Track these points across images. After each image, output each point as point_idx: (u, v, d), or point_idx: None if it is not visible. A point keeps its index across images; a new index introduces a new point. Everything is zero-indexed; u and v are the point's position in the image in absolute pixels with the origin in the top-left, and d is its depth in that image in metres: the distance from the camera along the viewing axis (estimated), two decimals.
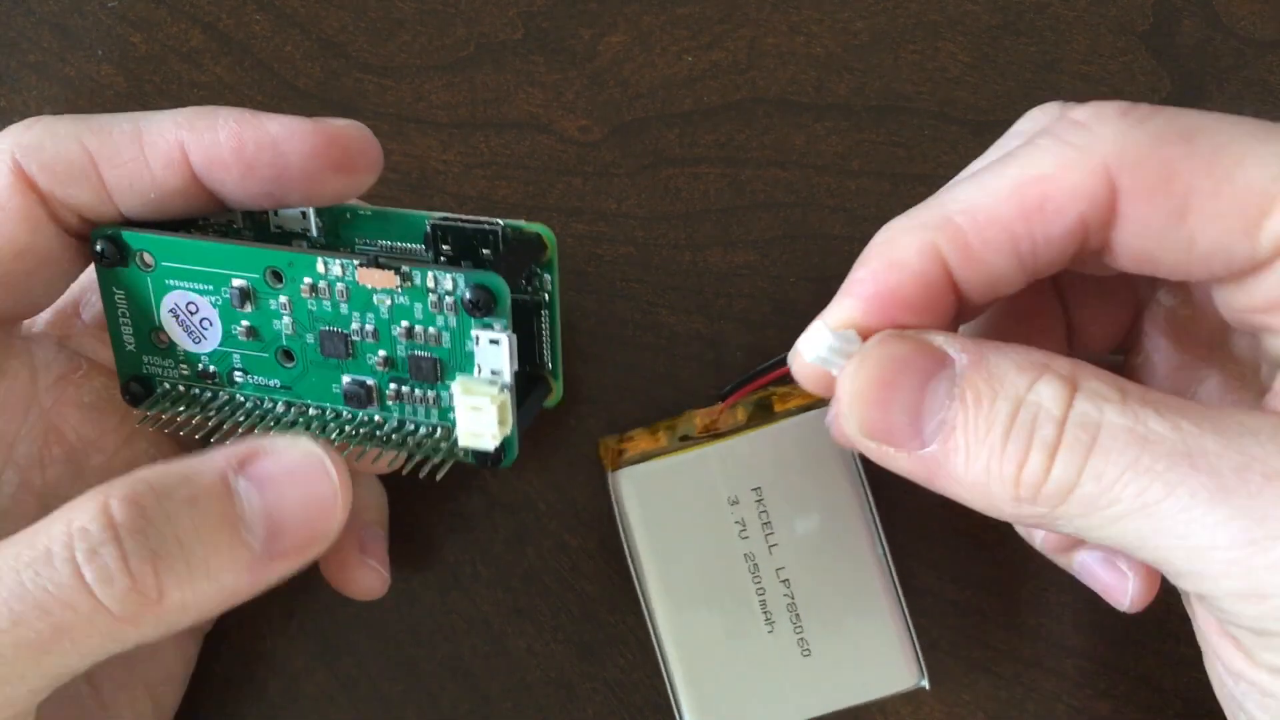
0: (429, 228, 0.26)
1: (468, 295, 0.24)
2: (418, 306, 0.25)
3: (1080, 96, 0.34)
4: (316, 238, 0.27)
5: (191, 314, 0.26)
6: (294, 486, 0.23)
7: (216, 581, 0.22)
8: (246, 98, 0.34)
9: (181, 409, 0.27)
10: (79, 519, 0.21)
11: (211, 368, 0.27)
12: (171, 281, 0.26)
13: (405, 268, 0.24)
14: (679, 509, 0.28)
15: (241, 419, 0.27)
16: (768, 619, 0.28)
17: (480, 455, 0.25)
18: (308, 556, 0.23)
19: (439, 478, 0.25)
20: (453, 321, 0.25)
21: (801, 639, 0.28)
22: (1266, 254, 0.21)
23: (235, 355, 0.27)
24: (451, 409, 0.25)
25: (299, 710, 0.33)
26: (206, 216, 0.27)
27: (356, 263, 0.25)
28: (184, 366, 0.27)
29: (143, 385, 0.28)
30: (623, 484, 0.29)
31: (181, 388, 0.27)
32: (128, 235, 0.26)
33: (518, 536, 0.33)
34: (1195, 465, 0.19)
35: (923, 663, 0.28)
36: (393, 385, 0.26)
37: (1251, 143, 0.21)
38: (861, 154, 0.34)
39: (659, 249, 0.33)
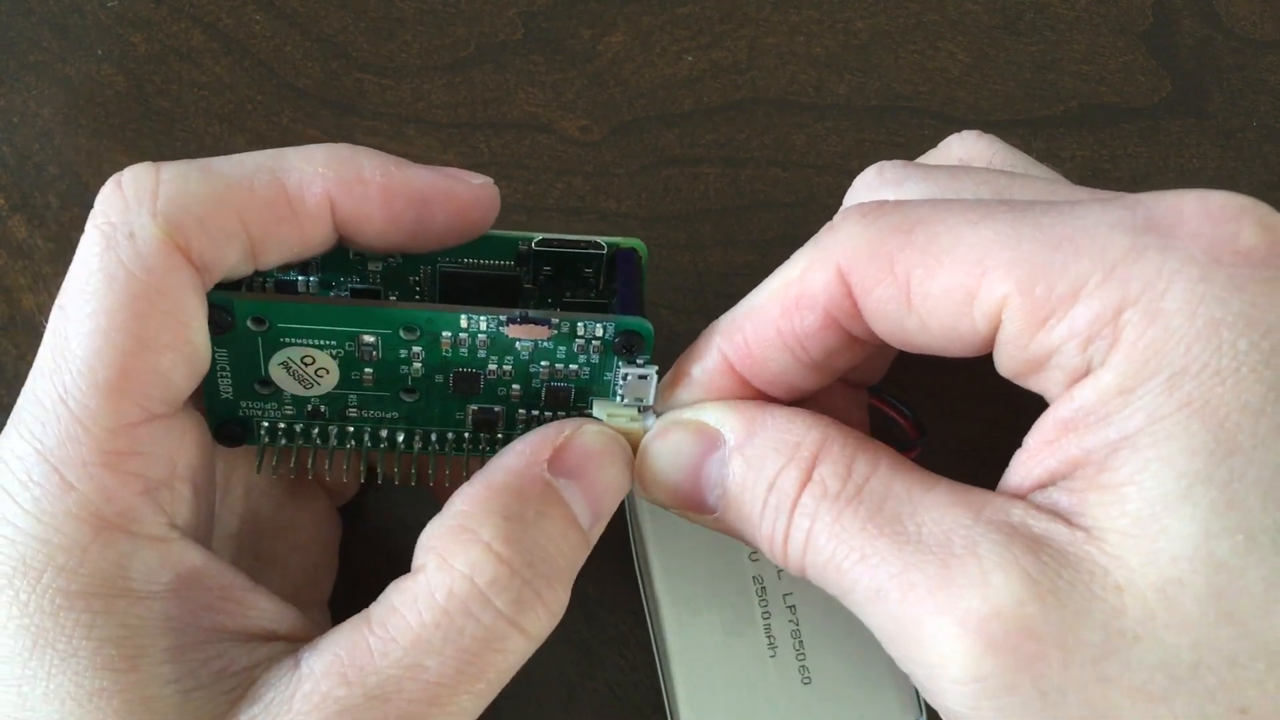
0: (529, 248, 0.26)
1: (619, 341, 0.25)
2: (561, 349, 0.25)
3: (1080, 96, 0.34)
4: (398, 260, 0.27)
5: (306, 365, 0.25)
6: (598, 468, 0.25)
7: (576, 568, 0.24)
8: (246, 97, 0.34)
9: (284, 443, 0.26)
10: (480, 576, 0.23)
11: (322, 407, 0.26)
12: (287, 339, 0.25)
13: (555, 320, 0.25)
14: (693, 526, 0.28)
15: (351, 445, 0.27)
16: (771, 644, 0.28)
17: None
18: (614, 512, 0.26)
19: None
20: (595, 359, 0.25)
21: (803, 666, 0.28)
22: (985, 331, 0.22)
23: (351, 395, 0.26)
24: None
25: None
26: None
27: (503, 318, 0.24)
28: (289, 408, 0.26)
29: (241, 427, 0.26)
30: (639, 496, 0.29)
31: (284, 425, 0.26)
32: (239, 304, 0.24)
33: None
34: (868, 567, 0.22)
35: (922, 702, 0.28)
36: (522, 411, 0.26)
37: (962, 228, 0.22)
38: (861, 154, 0.34)
39: (659, 249, 0.33)
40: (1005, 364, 0.23)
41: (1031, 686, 0.20)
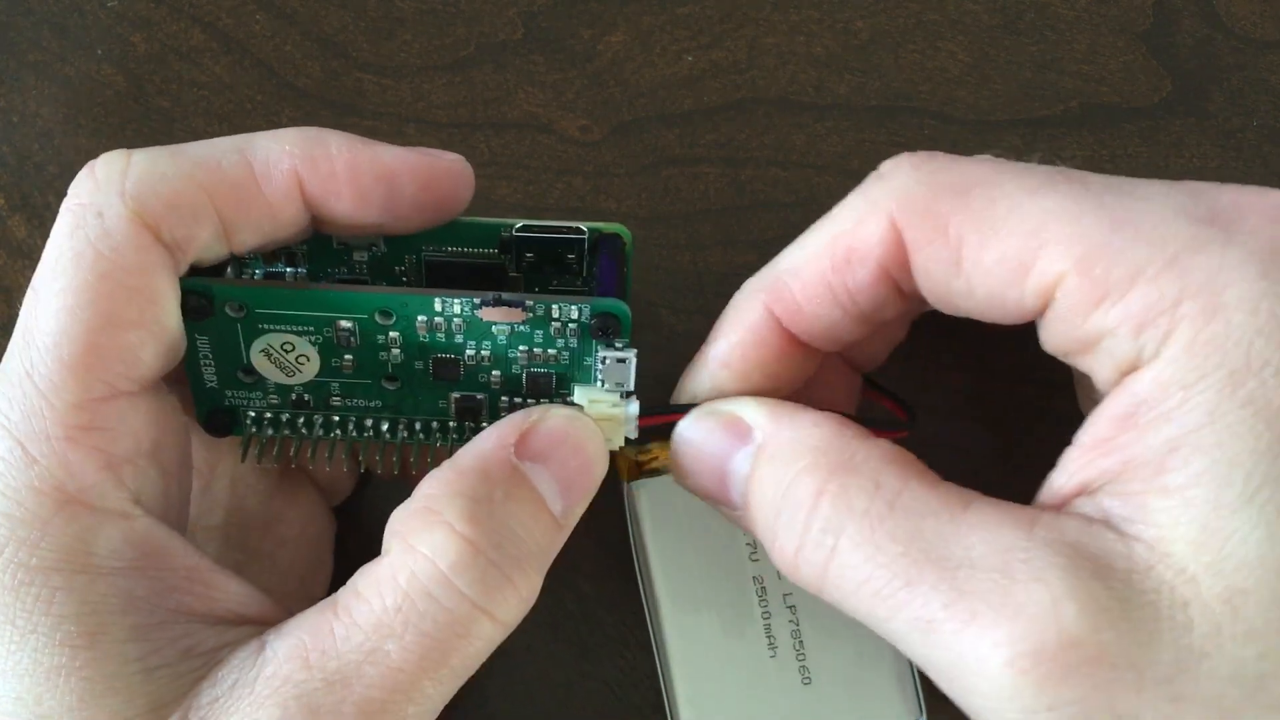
0: (511, 236, 0.26)
1: (595, 323, 0.25)
2: (538, 333, 0.25)
3: (1080, 96, 0.34)
4: (382, 249, 0.27)
5: (287, 352, 0.25)
6: (567, 452, 0.24)
7: (549, 553, 0.24)
8: (246, 97, 0.34)
9: (271, 433, 0.27)
10: (443, 558, 0.22)
11: (306, 396, 0.26)
12: (265, 326, 0.25)
13: (529, 302, 0.24)
14: (693, 526, 0.28)
15: (338, 435, 0.27)
16: (771, 643, 0.28)
17: None
18: (590, 498, 0.25)
19: None
20: (573, 343, 0.25)
21: (803, 666, 0.28)
22: (1034, 304, 0.22)
23: (334, 384, 0.26)
24: None
25: None
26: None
27: (477, 301, 0.25)
28: (274, 397, 0.26)
29: (228, 416, 0.26)
30: (639, 497, 0.29)
31: (270, 414, 0.27)
32: (218, 289, 0.24)
33: None
34: (914, 595, 0.21)
35: (922, 702, 0.28)
36: (505, 399, 0.26)
37: (1021, 196, 0.21)
38: (861, 154, 0.34)
39: (659, 249, 0.33)
40: (1054, 340, 0.22)
41: (1107, 711, 0.20)
